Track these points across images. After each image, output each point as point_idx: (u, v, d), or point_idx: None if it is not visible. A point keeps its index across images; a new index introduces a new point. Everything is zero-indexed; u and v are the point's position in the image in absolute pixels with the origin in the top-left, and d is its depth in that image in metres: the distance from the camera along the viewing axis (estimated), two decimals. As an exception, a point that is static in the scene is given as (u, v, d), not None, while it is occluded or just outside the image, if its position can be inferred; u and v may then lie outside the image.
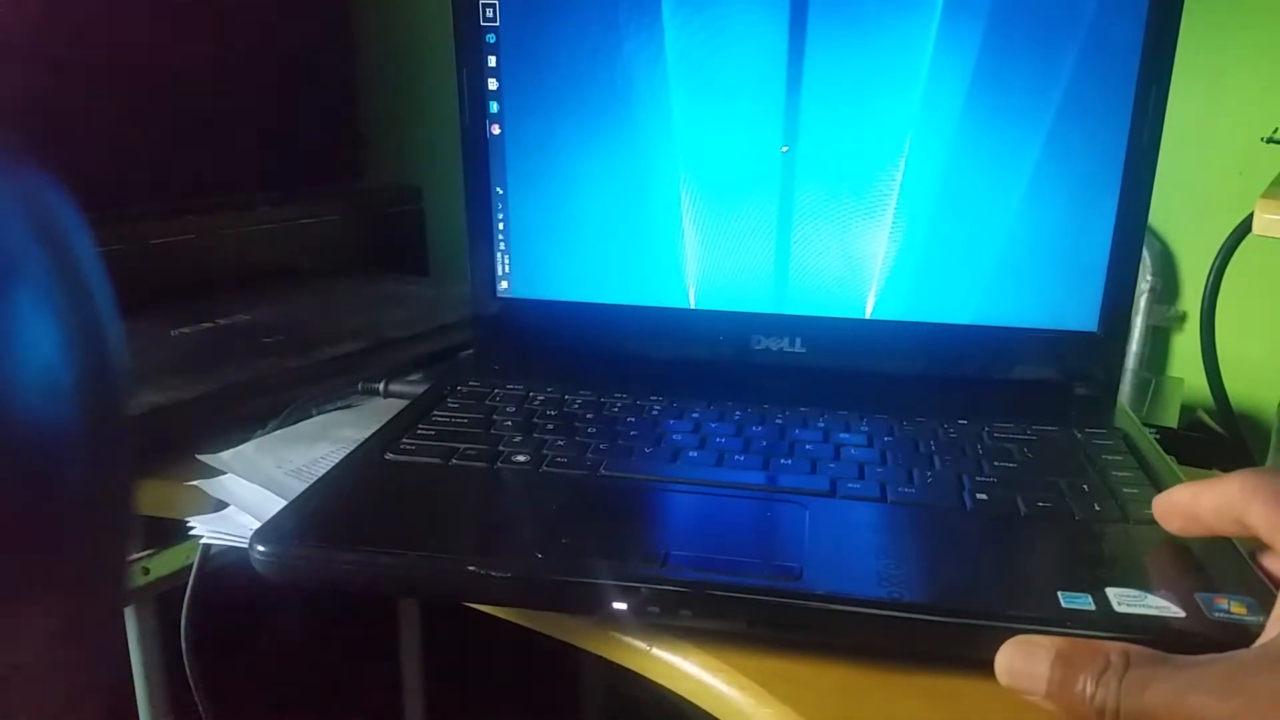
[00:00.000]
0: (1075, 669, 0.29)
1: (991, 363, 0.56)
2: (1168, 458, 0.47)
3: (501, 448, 0.47)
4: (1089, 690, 0.28)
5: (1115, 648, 0.29)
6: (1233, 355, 0.83)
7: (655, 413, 0.51)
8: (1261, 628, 0.31)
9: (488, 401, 0.53)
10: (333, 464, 0.46)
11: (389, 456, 0.46)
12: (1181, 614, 0.33)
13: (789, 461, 0.46)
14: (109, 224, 0.74)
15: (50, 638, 0.23)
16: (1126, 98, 0.51)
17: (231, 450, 0.51)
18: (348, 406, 0.59)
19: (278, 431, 0.54)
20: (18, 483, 0.21)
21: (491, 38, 0.56)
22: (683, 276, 0.57)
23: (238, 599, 0.50)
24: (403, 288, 0.84)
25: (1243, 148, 0.81)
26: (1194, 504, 0.36)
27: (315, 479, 0.44)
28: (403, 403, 0.55)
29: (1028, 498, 0.42)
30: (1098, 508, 0.41)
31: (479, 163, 0.58)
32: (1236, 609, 0.33)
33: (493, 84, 0.56)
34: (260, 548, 0.38)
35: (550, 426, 0.49)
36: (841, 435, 0.48)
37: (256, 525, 0.40)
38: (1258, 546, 0.35)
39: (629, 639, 0.38)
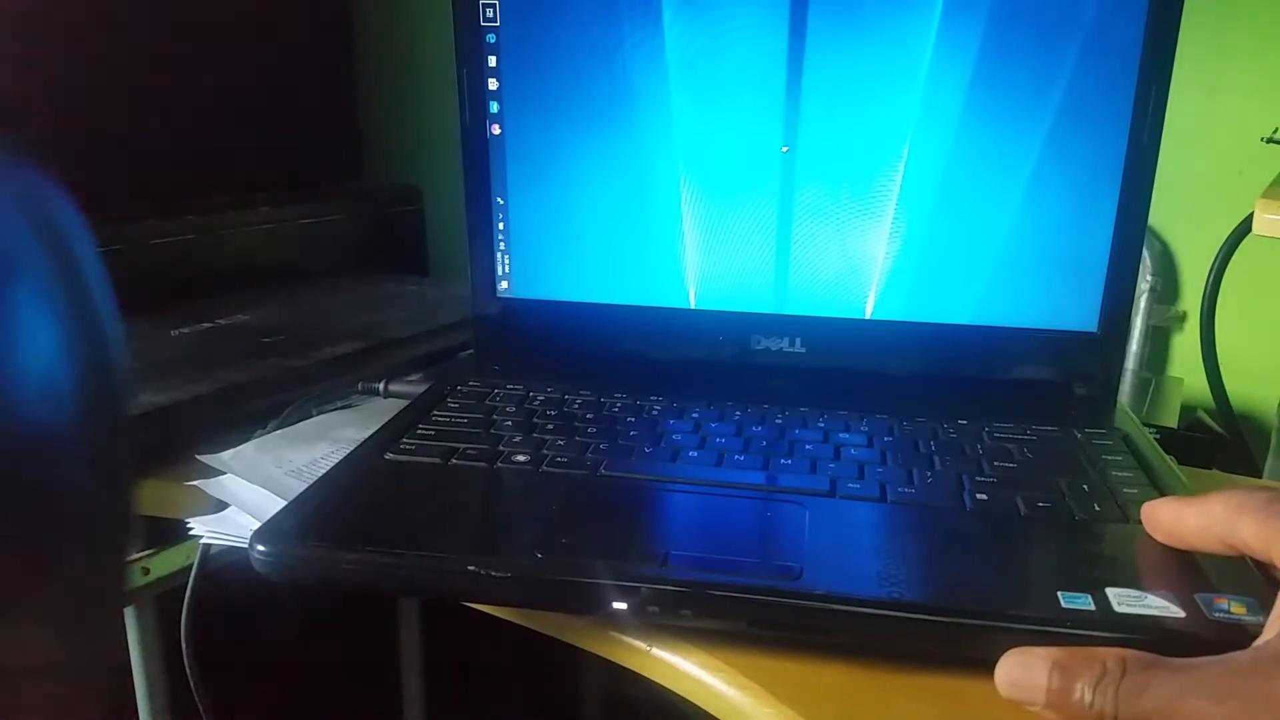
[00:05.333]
0: (1073, 677, 0.29)
1: (991, 363, 0.56)
2: (1168, 458, 0.47)
3: (501, 448, 0.47)
4: (1087, 698, 0.29)
5: (1112, 654, 0.29)
6: (1233, 355, 0.83)
7: (655, 413, 0.51)
8: (1260, 628, 0.31)
9: (488, 401, 0.53)
10: (333, 464, 0.46)
11: (389, 456, 0.46)
12: (1181, 614, 0.33)
13: (789, 461, 0.46)
14: (109, 224, 0.74)
15: (50, 638, 0.23)
16: (1126, 98, 0.50)
17: (231, 450, 0.51)
18: (348, 406, 0.59)
19: (278, 431, 0.54)
20: (17, 483, 0.21)
21: (491, 38, 0.56)
22: (683, 276, 0.57)
23: (238, 599, 0.50)
24: (403, 288, 0.84)
25: (1243, 148, 0.81)
26: (1177, 523, 0.36)
27: (315, 479, 0.44)
28: (403, 403, 0.55)
29: (1028, 498, 0.42)
30: (1098, 508, 0.41)
31: (479, 163, 0.58)
32: (1236, 609, 0.33)
33: (493, 84, 0.56)
34: (260, 548, 0.38)
35: (550, 426, 0.49)
36: (841, 435, 0.48)
37: (256, 525, 0.40)
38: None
39: (629, 639, 0.38)
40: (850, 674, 0.35)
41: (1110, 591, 0.34)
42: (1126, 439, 0.49)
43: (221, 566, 0.49)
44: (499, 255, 0.59)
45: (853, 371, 0.57)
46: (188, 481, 0.49)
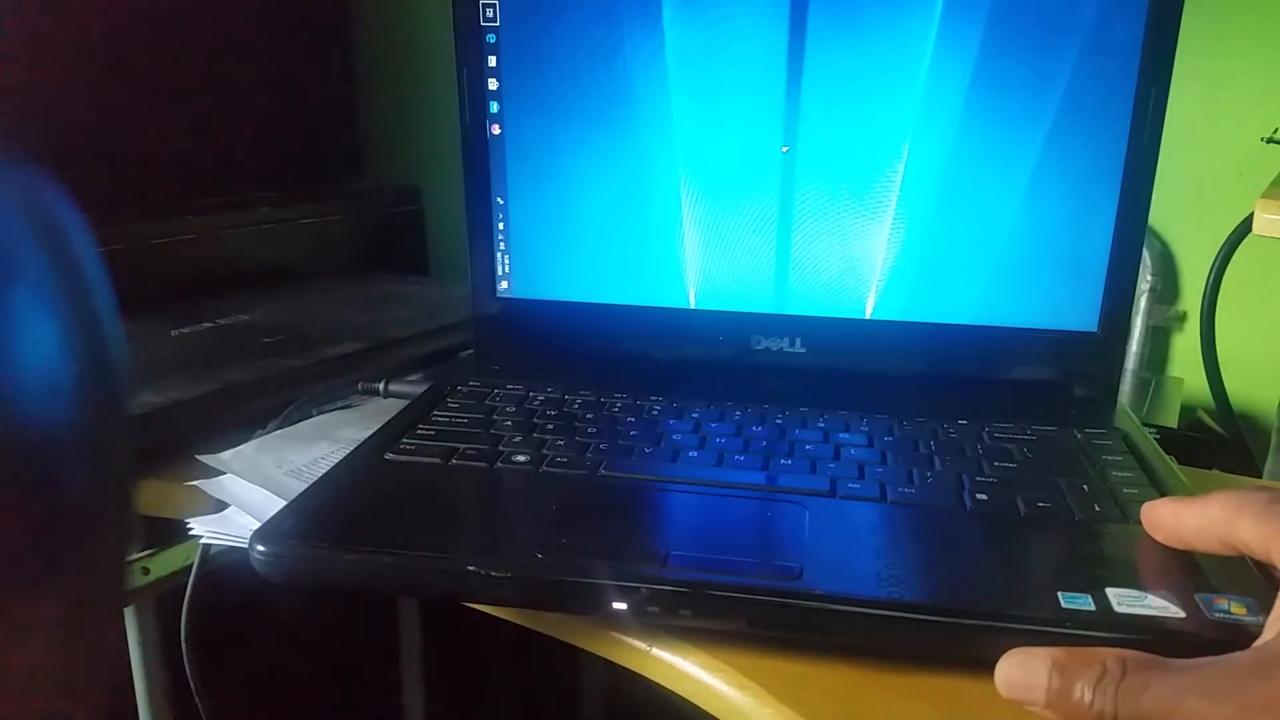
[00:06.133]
0: (1073, 677, 0.29)
1: (991, 363, 0.56)
2: (1168, 458, 0.47)
3: (501, 448, 0.47)
4: (1087, 698, 0.29)
5: (1112, 654, 0.29)
6: (1233, 355, 0.83)
7: (655, 413, 0.51)
8: (1260, 628, 0.31)
9: (488, 401, 0.53)
10: (333, 464, 0.46)
11: (389, 456, 0.46)
12: (1181, 614, 0.33)
13: (789, 461, 0.46)
14: (109, 224, 0.74)
15: (50, 637, 0.23)
16: (1126, 98, 0.50)
17: (231, 450, 0.51)
18: (348, 406, 0.59)
19: (278, 431, 0.54)
20: (18, 482, 0.21)
21: (491, 38, 0.56)
22: (683, 276, 0.57)
23: (238, 599, 0.50)
24: (403, 288, 0.84)
25: (1243, 148, 0.81)
26: (1176, 523, 0.36)
27: (315, 479, 0.44)
28: (403, 403, 0.55)
29: (1028, 498, 0.42)
30: (1098, 508, 0.41)
31: (479, 163, 0.58)
32: (1236, 609, 0.33)
33: (493, 84, 0.56)
34: (260, 548, 0.38)
35: (550, 426, 0.49)
36: (841, 435, 0.48)
37: (256, 525, 0.40)
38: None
39: (629, 639, 0.38)
40: (850, 674, 0.35)
41: (1110, 591, 0.34)
42: (1126, 439, 0.49)
43: (221, 566, 0.49)
44: (499, 255, 0.59)
45: (853, 371, 0.57)
46: (188, 481, 0.49)
